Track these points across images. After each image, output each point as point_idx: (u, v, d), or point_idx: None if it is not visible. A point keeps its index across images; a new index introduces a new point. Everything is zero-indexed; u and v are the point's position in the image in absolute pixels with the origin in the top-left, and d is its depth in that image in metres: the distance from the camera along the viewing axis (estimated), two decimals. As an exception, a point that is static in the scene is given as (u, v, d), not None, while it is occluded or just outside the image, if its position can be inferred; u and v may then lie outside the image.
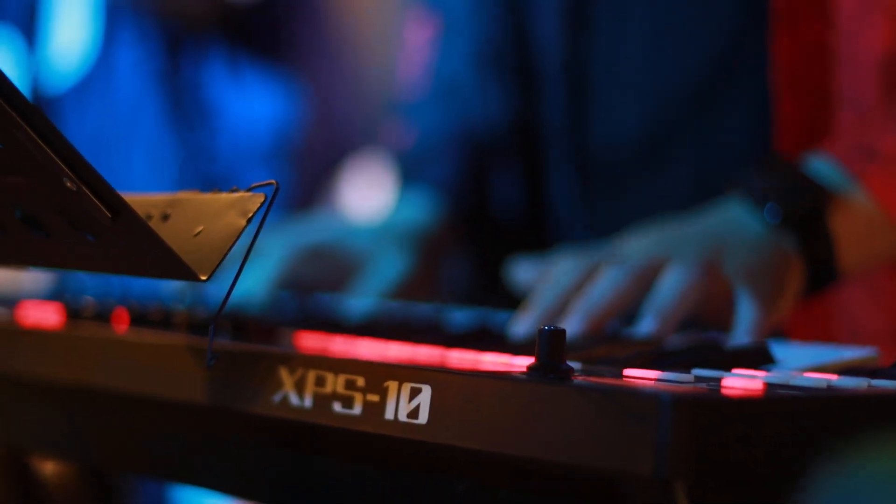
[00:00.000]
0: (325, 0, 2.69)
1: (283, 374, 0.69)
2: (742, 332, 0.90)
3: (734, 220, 1.01)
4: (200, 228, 0.67)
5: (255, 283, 1.20)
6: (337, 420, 0.66)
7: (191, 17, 2.52)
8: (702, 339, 0.85)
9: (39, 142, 0.61)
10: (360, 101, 2.72)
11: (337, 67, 2.70)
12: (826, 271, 1.00)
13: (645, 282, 0.92)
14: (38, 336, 0.89)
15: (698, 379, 0.64)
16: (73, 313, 0.89)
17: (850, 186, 1.00)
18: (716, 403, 0.55)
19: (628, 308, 0.92)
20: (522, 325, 0.91)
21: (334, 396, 0.66)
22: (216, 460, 0.79)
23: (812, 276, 0.99)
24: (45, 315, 0.94)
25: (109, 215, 0.63)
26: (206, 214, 0.68)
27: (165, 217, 0.69)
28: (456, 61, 1.46)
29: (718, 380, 0.63)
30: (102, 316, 0.88)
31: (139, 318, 0.86)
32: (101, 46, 2.47)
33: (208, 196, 0.69)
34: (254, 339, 0.80)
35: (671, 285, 0.90)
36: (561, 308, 0.92)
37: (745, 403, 0.56)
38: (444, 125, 1.45)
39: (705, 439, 0.54)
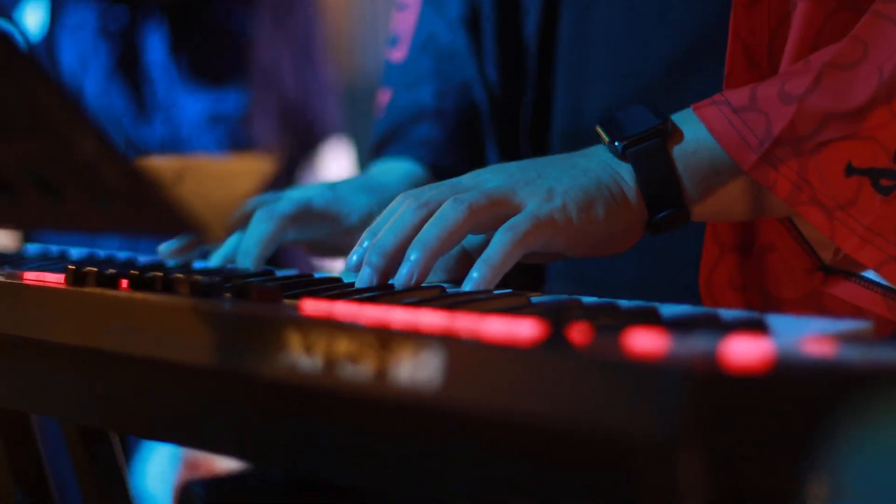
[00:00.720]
0: None
1: (292, 337, 0.70)
2: (482, 262, 0.93)
3: (587, 153, 1.04)
4: (212, 191, 0.68)
5: (248, 243, 1.17)
6: (345, 385, 0.67)
7: None
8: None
9: (60, 105, 0.61)
10: (326, 89, 2.73)
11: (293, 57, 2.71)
12: (669, 202, 1.02)
13: (477, 216, 0.95)
14: (43, 296, 0.90)
15: (701, 347, 0.65)
16: (78, 277, 0.90)
17: (700, 129, 1.02)
18: (729, 373, 0.56)
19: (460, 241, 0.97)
20: (365, 277, 0.95)
21: (343, 360, 0.67)
22: (223, 424, 0.80)
23: (653, 207, 1.02)
24: (49, 278, 0.94)
25: (124, 178, 0.64)
26: (217, 178, 0.68)
27: (177, 180, 0.69)
28: (439, 24, 1.46)
29: (719, 349, 0.63)
30: (106, 279, 0.88)
31: (143, 282, 0.86)
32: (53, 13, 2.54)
33: (221, 160, 0.69)
34: (257, 301, 0.80)
35: (435, 218, 0.95)
36: (401, 246, 0.96)
37: (756, 373, 0.56)
38: (428, 87, 1.45)
39: (716, 409, 0.55)
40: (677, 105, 1.10)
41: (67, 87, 0.65)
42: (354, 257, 0.98)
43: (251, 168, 0.68)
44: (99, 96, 2.49)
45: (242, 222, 1.19)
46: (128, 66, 2.52)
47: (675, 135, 1.02)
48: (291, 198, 1.24)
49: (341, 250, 1.29)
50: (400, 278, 0.94)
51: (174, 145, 2.42)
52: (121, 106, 2.47)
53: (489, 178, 1.00)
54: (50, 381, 0.94)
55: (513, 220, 0.95)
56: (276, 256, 1.24)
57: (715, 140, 1.01)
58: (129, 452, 2.32)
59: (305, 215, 1.23)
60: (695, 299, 1.06)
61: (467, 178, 1.01)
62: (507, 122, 1.37)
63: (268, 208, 1.19)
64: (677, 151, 1.01)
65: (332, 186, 1.30)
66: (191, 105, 2.49)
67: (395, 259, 0.96)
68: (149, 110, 2.47)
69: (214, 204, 0.67)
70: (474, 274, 0.93)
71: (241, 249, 1.16)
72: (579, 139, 1.28)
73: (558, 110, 1.31)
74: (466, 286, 0.93)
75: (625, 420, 0.56)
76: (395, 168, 1.39)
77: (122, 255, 1.25)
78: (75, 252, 1.30)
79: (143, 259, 1.21)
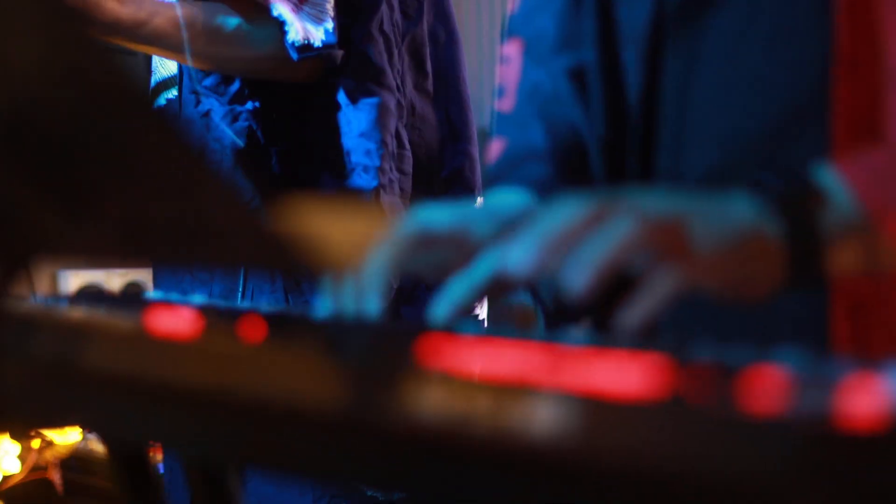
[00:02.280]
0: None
1: (418, 386, 0.72)
2: (641, 299, 0.94)
3: (734, 199, 1.04)
4: (324, 229, 0.70)
5: (371, 272, 1.17)
6: (471, 434, 0.69)
7: None
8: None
9: (183, 149, 0.64)
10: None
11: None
12: (811, 262, 1.02)
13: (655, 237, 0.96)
14: (173, 343, 0.92)
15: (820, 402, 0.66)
16: (206, 319, 0.93)
17: (843, 188, 1.03)
18: (849, 434, 0.57)
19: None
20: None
21: (473, 410, 0.69)
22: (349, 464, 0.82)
23: (798, 265, 1.02)
24: (177, 324, 0.97)
25: (243, 218, 0.67)
26: (339, 218, 0.71)
27: (298, 218, 0.72)
28: (541, 74, 1.48)
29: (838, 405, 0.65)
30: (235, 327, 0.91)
31: (273, 329, 0.89)
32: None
33: (346, 200, 0.72)
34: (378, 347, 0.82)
35: (604, 238, 0.95)
36: (560, 244, 0.96)
37: (878, 434, 0.58)
38: (538, 128, 1.46)
39: (838, 470, 0.57)
40: (774, 171, 1.12)
41: (194, 138, 0.68)
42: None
43: (378, 210, 0.70)
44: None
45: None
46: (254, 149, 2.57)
47: (821, 195, 1.03)
48: (413, 223, 1.23)
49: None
50: (572, 281, 0.94)
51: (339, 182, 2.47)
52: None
53: (654, 201, 1.00)
54: (173, 422, 0.96)
55: (676, 261, 0.96)
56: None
57: (858, 199, 1.02)
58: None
59: (427, 240, 1.22)
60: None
61: (630, 195, 1.01)
62: (614, 170, 1.38)
63: (390, 236, 1.18)
64: (823, 212, 1.02)
65: (454, 209, 1.28)
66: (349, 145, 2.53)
67: (557, 243, 0.97)
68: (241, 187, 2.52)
69: (336, 242, 0.69)
70: (636, 307, 0.95)
71: (367, 274, 1.16)
72: None
73: (660, 171, 1.32)
74: (625, 319, 0.94)
75: (735, 474, 0.58)
76: (510, 198, 1.38)
77: (245, 303, 1.28)
78: (196, 298, 1.33)
79: (265, 306, 1.24)
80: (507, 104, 1.51)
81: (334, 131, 2.54)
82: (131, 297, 1.35)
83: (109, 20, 2.38)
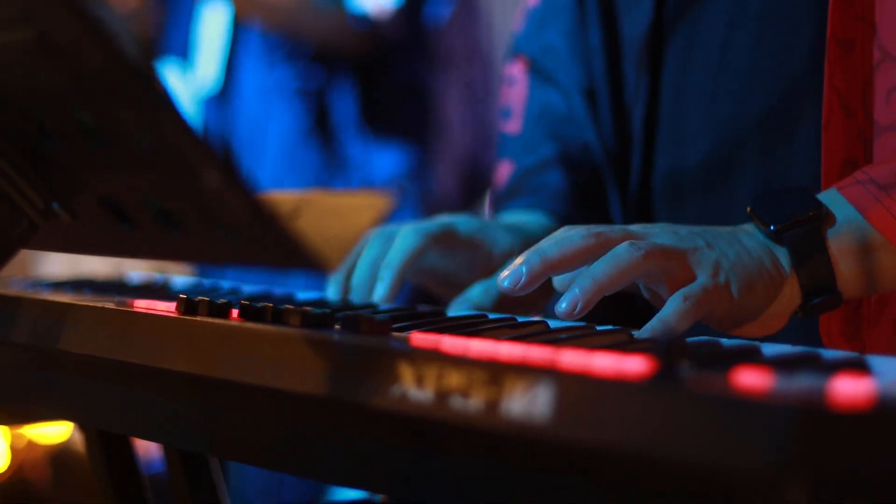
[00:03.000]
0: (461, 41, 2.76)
1: (402, 369, 0.72)
2: (659, 321, 0.94)
3: (746, 231, 1.04)
4: (329, 225, 0.70)
5: (392, 256, 1.16)
6: (454, 417, 0.68)
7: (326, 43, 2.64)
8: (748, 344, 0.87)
9: (189, 136, 0.63)
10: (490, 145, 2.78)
11: (470, 110, 2.77)
12: (823, 288, 1.01)
13: (651, 262, 0.95)
14: (155, 324, 0.92)
15: (807, 385, 0.66)
16: (189, 306, 0.92)
17: (850, 210, 1.02)
18: (835, 410, 0.57)
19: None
20: (514, 273, 0.95)
21: (452, 393, 0.69)
22: (329, 453, 0.81)
23: (810, 292, 1.01)
24: (160, 306, 0.97)
25: (246, 210, 0.66)
26: (336, 213, 0.70)
27: (297, 213, 0.71)
28: (552, 94, 1.47)
29: (825, 388, 0.65)
30: (217, 309, 0.90)
31: (253, 312, 0.88)
32: (232, 68, 2.65)
33: (338, 195, 0.72)
34: (367, 334, 0.82)
35: (605, 262, 0.94)
36: (563, 265, 0.96)
37: (860, 411, 0.58)
38: (551, 147, 1.44)
39: (822, 445, 0.56)
40: (771, 154, 1.11)
41: (191, 120, 0.67)
42: (507, 283, 0.97)
43: (368, 203, 0.70)
44: (291, 154, 2.56)
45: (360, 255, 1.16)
46: (322, 125, 2.59)
47: (828, 218, 1.02)
48: (435, 220, 1.22)
49: (463, 287, 1.25)
50: (564, 306, 0.93)
51: None
52: (315, 164, 2.53)
53: (659, 234, 1.00)
54: (154, 406, 0.96)
55: (688, 289, 0.95)
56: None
57: (865, 220, 1.01)
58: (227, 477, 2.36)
59: (451, 239, 1.21)
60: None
61: (637, 228, 1.01)
62: (623, 183, 1.37)
63: (415, 226, 1.17)
64: (831, 234, 1.02)
65: (478, 219, 1.28)
66: (384, 163, 2.55)
67: (552, 270, 0.96)
68: (346, 168, 2.53)
69: (331, 237, 0.69)
70: (645, 330, 0.94)
71: (386, 261, 1.15)
72: (679, 198, 1.29)
73: (658, 170, 1.31)
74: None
75: (731, 455, 0.58)
76: (529, 219, 1.38)
77: (226, 284, 1.28)
78: (179, 281, 1.33)
79: (248, 288, 1.23)
80: (514, 126, 1.50)
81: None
82: (114, 282, 1.34)
83: None
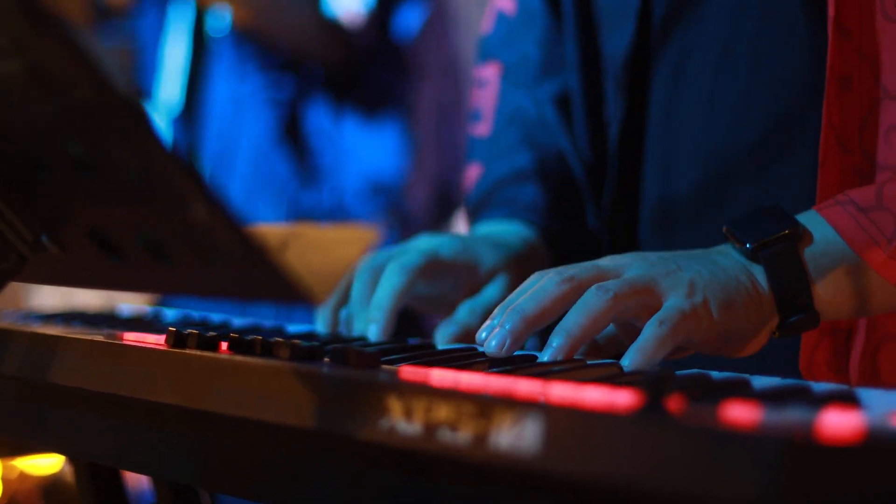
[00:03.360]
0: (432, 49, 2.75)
1: (391, 402, 0.71)
2: (636, 351, 0.93)
3: (721, 251, 1.03)
4: (315, 258, 0.70)
5: (380, 296, 1.16)
6: (443, 450, 0.68)
7: (299, 49, 2.62)
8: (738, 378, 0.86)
9: (179, 169, 0.63)
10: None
11: (443, 126, 2.76)
12: (800, 307, 1.01)
13: (622, 301, 0.95)
14: (144, 357, 0.92)
15: (796, 418, 0.66)
16: (178, 339, 0.92)
17: (828, 230, 1.02)
18: (824, 443, 0.57)
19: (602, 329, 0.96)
20: (498, 337, 0.95)
21: (441, 426, 0.68)
22: (319, 485, 0.81)
23: (784, 311, 1.01)
24: (149, 339, 0.97)
25: (235, 243, 0.66)
26: (322, 246, 0.70)
27: (284, 246, 0.71)
28: (524, 99, 1.46)
29: (814, 421, 0.65)
30: (207, 342, 0.90)
31: (243, 345, 0.88)
32: (200, 81, 2.63)
33: (325, 229, 0.72)
34: (356, 367, 0.82)
35: (578, 306, 0.94)
36: (544, 319, 0.96)
37: (849, 444, 0.58)
38: (526, 155, 1.43)
39: (811, 478, 0.56)
40: (764, 189, 1.11)
41: (181, 152, 0.68)
42: (484, 333, 0.96)
43: (354, 237, 0.70)
44: (262, 163, 2.55)
45: (349, 287, 1.17)
46: (293, 134, 2.58)
47: (805, 237, 1.02)
48: (418, 249, 1.22)
49: (452, 305, 1.25)
50: (548, 355, 0.93)
51: (338, 213, 2.46)
52: (286, 172, 2.53)
53: (630, 265, 0.99)
54: (144, 439, 0.95)
55: (662, 313, 0.95)
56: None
57: (843, 240, 1.01)
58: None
59: (435, 268, 1.21)
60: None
61: (607, 262, 1.00)
62: (597, 197, 1.37)
63: (398, 262, 1.17)
64: (808, 254, 1.01)
65: (460, 238, 1.27)
66: (355, 174, 2.54)
67: (532, 326, 0.95)
68: (317, 178, 2.52)
69: (317, 271, 0.69)
70: (625, 362, 0.93)
71: (374, 302, 1.15)
72: (668, 223, 1.28)
73: (647, 194, 1.31)
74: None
75: (721, 487, 0.58)
76: (508, 230, 1.37)
77: (217, 317, 1.27)
78: (170, 313, 1.33)
79: (237, 321, 1.23)
80: (483, 129, 1.49)
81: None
82: (104, 314, 1.34)
83: None
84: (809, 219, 1.03)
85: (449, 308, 1.23)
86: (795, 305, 1.01)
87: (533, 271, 1.02)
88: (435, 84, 2.75)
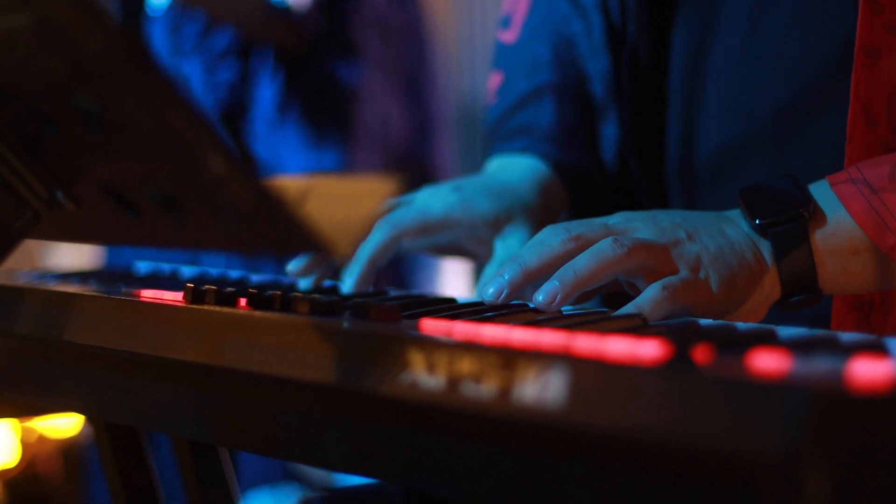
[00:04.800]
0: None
1: (413, 356, 0.71)
2: (633, 307, 0.92)
3: (732, 218, 1.03)
4: (336, 210, 0.69)
5: (360, 252, 1.16)
6: (466, 403, 0.67)
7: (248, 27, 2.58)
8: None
9: (188, 122, 0.62)
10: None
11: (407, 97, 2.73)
12: (805, 286, 1.01)
13: (633, 259, 0.95)
14: (162, 313, 0.91)
15: (825, 367, 0.65)
16: (197, 295, 0.91)
17: (840, 210, 1.01)
18: (854, 392, 0.56)
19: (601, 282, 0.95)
20: (496, 285, 0.95)
21: (464, 379, 0.68)
22: (340, 440, 0.80)
23: (789, 288, 1.01)
24: (167, 296, 0.96)
25: (252, 196, 0.65)
26: (342, 197, 0.69)
27: (303, 198, 0.70)
28: (559, 5, 1.43)
29: (843, 370, 0.64)
30: (225, 297, 0.90)
31: (262, 301, 0.87)
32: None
33: (344, 181, 0.71)
34: (377, 320, 0.81)
35: (587, 256, 0.94)
36: (543, 272, 0.95)
37: (880, 392, 0.57)
38: (547, 74, 1.41)
39: (841, 428, 0.55)
40: (786, 150, 1.09)
41: (197, 105, 0.67)
42: (491, 289, 0.96)
43: (375, 188, 0.69)
44: None
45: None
46: (233, 118, 2.55)
47: (817, 216, 1.01)
48: (412, 206, 1.22)
49: (468, 253, 1.27)
50: (541, 298, 0.93)
51: None
52: None
53: (640, 227, 0.99)
54: (163, 397, 0.95)
55: (669, 279, 0.95)
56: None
57: (854, 222, 1.00)
58: (237, 468, 2.35)
59: (424, 227, 1.21)
60: None
61: (617, 222, 1.00)
62: (624, 125, 1.36)
63: (387, 218, 1.18)
64: (818, 234, 1.01)
65: (458, 187, 1.26)
66: (293, 161, 2.52)
67: (532, 279, 0.95)
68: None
69: (339, 223, 0.68)
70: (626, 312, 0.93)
71: (356, 255, 1.15)
72: (692, 168, 1.27)
73: (671, 137, 1.30)
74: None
75: (748, 439, 0.57)
76: (517, 165, 1.35)
77: (235, 273, 1.27)
78: (187, 270, 1.32)
79: (255, 277, 1.22)
80: (510, 35, 1.46)
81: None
82: (121, 272, 1.33)
83: None
84: (821, 193, 1.02)
85: (464, 253, 1.25)
86: (800, 284, 1.01)
87: (543, 215, 1.01)
88: (399, 45, 2.71)
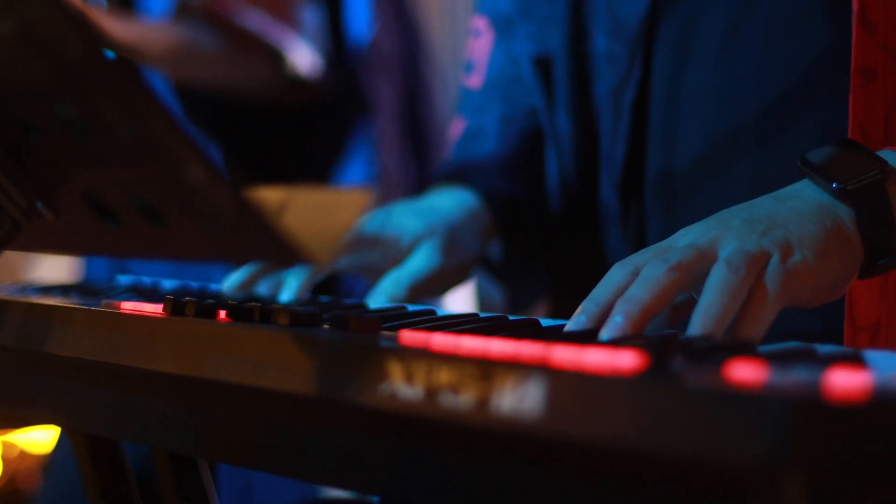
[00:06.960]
0: None
1: (392, 367, 0.71)
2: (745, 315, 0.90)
3: (791, 195, 0.99)
4: (314, 221, 0.69)
5: (294, 273, 1.21)
6: (445, 414, 0.67)
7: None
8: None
9: (173, 130, 0.63)
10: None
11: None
12: (886, 248, 0.98)
13: (688, 274, 0.90)
14: (142, 325, 0.91)
15: (803, 378, 0.65)
16: (176, 307, 0.91)
17: None
18: (830, 403, 0.56)
19: (672, 301, 0.91)
20: (574, 325, 0.91)
21: (443, 390, 0.68)
22: (320, 452, 0.80)
23: (871, 252, 0.98)
24: (146, 308, 0.96)
25: (232, 206, 0.65)
26: (320, 208, 0.70)
27: (282, 208, 0.71)
28: (504, 56, 1.47)
29: (820, 380, 0.64)
30: (205, 309, 0.90)
31: (241, 312, 0.87)
32: None
33: (322, 191, 0.71)
34: (356, 332, 0.81)
35: (715, 286, 0.89)
36: (607, 308, 0.91)
37: (856, 404, 0.57)
38: (495, 112, 1.46)
39: (817, 438, 0.55)
40: (765, 165, 1.09)
41: (177, 113, 0.67)
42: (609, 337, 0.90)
43: (352, 199, 0.69)
44: None
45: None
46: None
47: (891, 175, 0.98)
48: None
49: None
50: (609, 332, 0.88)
51: None
52: None
53: (721, 238, 0.94)
54: (143, 409, 0.95)
55: (767, 278, 0.91)
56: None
57: None
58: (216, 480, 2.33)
59: (357, 241, 1.28)
60: None
61: (698, 240, 0.95)
62: (584, 164, 1.37)
63: None
64: (893, 193, 0.98)
65: (387, 211, 1.33)
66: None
67: (652, 315, 0.89)
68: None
69: (316, 233, 0.68)
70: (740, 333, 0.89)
71: (292, 274, 1.20)
72: (669, 195, 1.27)
73: (651, 166, 1.30)
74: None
75: (725, 448, 0.57)
76: (448, 193, 1.41)
77: (215, 287, 1.27)
78: (167, 283, 1.32)
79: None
80: (475, 81, 1.50)
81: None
82: (101, 284, 1.34)
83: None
84: (889, 156, 1.00)
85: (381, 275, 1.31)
86: (882, 247, 0.98)
87: (462, 234, 1.02)
88: (394, 80, 2.71)
